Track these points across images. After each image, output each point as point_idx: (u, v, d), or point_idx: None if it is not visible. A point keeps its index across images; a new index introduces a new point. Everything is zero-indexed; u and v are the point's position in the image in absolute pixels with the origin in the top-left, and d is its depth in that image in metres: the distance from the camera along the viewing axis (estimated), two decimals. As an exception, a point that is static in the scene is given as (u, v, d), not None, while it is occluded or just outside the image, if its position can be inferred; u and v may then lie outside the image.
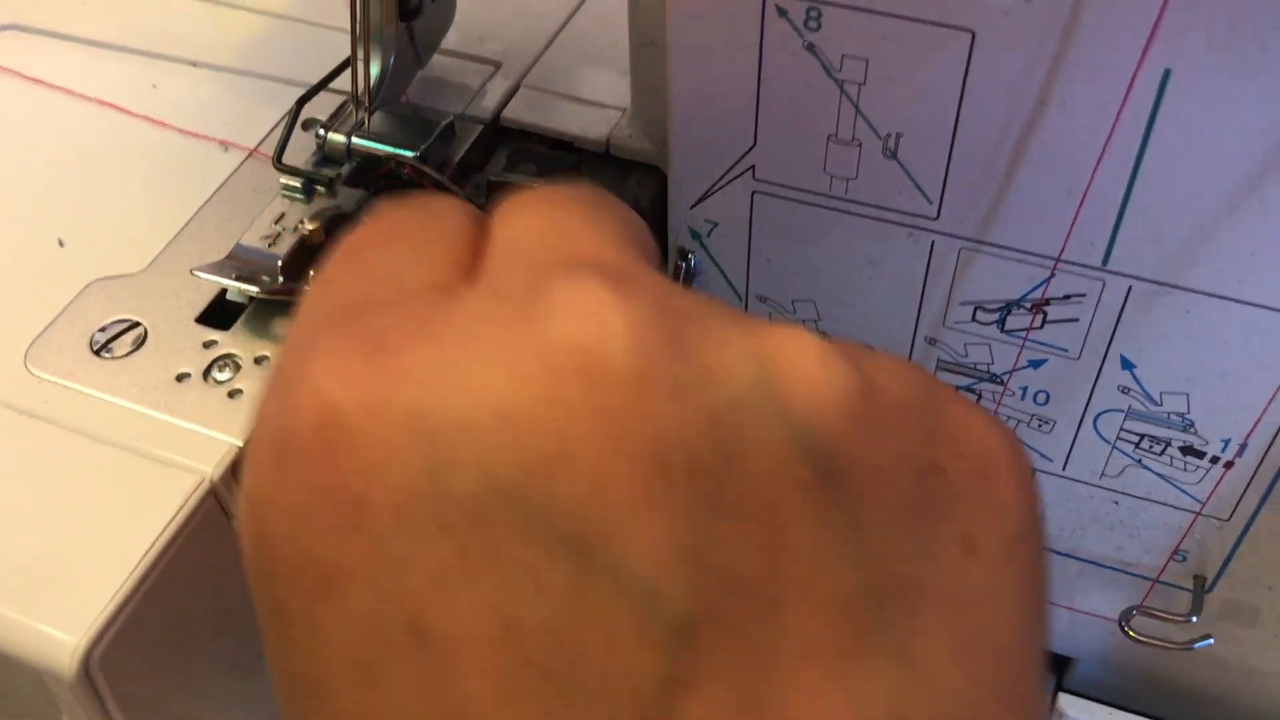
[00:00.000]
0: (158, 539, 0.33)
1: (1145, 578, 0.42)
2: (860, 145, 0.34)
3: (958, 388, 0.39)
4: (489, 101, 0.45)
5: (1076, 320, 0.36)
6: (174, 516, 0.34)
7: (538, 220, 0.21)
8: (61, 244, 0.41)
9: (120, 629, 0.32)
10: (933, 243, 0.36)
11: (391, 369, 0.17)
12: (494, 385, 0.16)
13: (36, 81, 0.47)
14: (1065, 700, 0.45)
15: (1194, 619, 0.41)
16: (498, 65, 0.47)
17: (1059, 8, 0.29)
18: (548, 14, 0.49)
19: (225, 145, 0.44)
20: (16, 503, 0.34)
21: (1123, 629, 0.42)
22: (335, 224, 0.39)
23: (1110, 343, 0.36)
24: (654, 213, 0.44)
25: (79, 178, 0.44)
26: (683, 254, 0.40)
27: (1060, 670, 0.48)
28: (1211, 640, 0.42)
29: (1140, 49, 0.29)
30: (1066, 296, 0.35)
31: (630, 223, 0.22)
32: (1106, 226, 0.33)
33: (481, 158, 0.45)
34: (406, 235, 0.22)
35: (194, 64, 0.48)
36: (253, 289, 0.37)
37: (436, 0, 0.44)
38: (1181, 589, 0.42)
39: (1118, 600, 0.43)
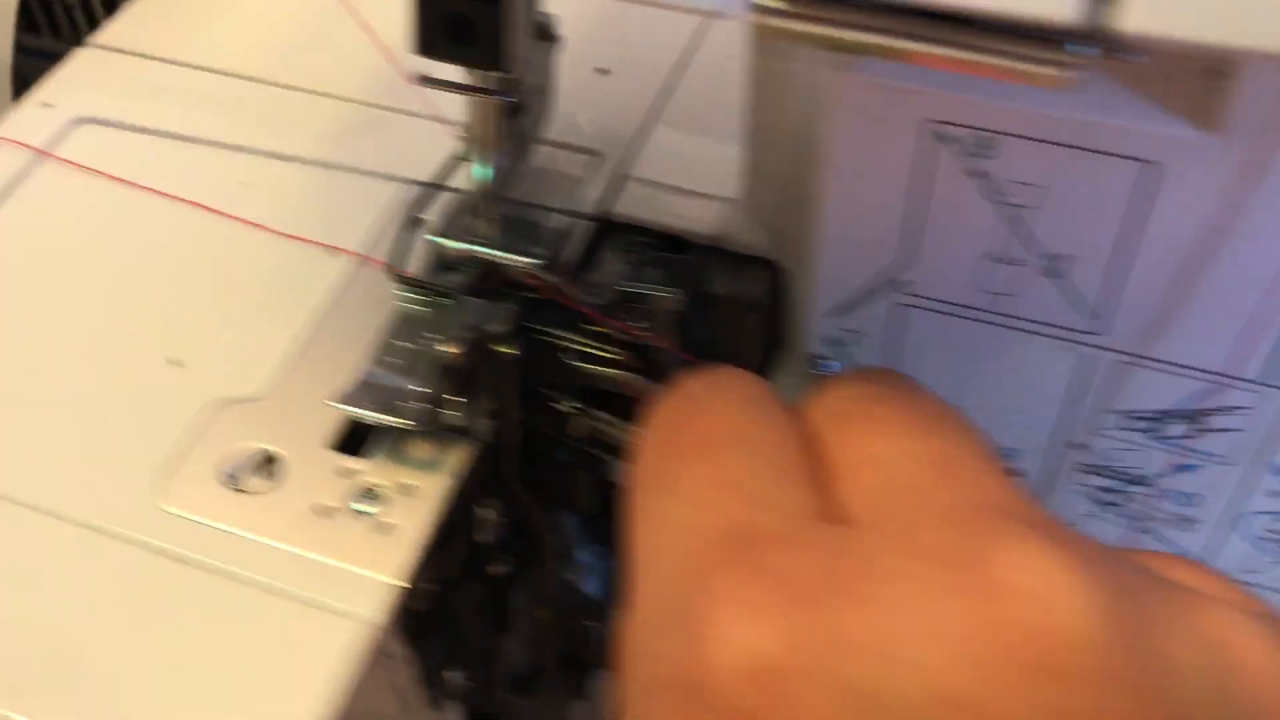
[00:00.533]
0: (335, 694, 0.32)
1: None
2: (1024, 265, 0.34)
3: (1100, 488, 0.39)
4: (593, 194, 0.45)
5: (1233, 430, 0.36)
6: (347, 669, 0.33)
7: (905, 442, 0.20)
8: (171, 363, 0.40)
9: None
10: (1089, 355, 0.36)
11: (821, 629, 0.16)
12: (941, 665, 0.16)
13: (120, 180, 0.45)
14: None
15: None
16: (595, 154, 0.46)
17: (1246, 141, 0.29)
18: (639, 95, 0.48)
19: (332, 250, 0.43)
20: (178, 657, 0.33)
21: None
22: (475, 347, 0.38)
23: (1267, 449, 0.36)
24: (773, 308, 0.43)
25: (179, 288, 0.42)
26: (812, 362, 0.39)
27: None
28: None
29: (1337, 187, 0.29)
30: (1223, 409, 0.35)
31: (969, 425, 0.22)
32: (1269, 342, 0.33)
33: (590, 254, 0.44)
34: (743, 434, 0.21)
35: (280, 157, 0.46)
36: (401, 423, 0.36)
37: (539, 98, 0.43)
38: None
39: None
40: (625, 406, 0.43)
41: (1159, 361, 0.35)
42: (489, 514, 0.40)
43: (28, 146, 0.46)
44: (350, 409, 0.37)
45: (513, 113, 0.41)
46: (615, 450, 0.44)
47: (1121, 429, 0.37)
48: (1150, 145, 0.30)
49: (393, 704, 0.36)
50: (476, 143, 0.41)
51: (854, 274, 0.36)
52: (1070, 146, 0.31)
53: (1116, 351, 0.35)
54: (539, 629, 0.47)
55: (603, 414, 0.42)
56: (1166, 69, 0.29)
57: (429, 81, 0.37)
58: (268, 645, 0.33)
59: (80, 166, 0.46)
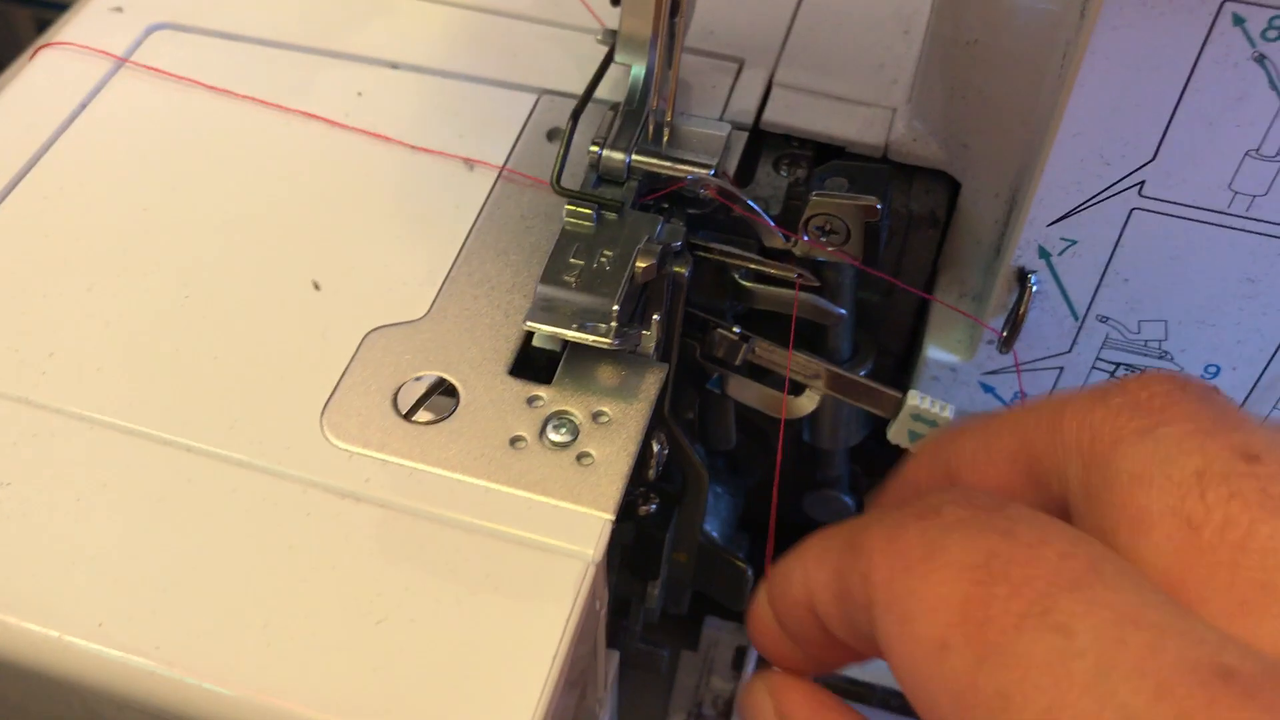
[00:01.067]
0: (562, 637, 0.29)
1: None
2: (1284, 161, 0.32)
3: (1309, 406, 0.37)
4: (747, 103, 0.41)
5: None
6: (571, 610, 0.29)
7: None
8: (317, 287, 0.36)
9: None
10: (1335, 261, 0.33)
11: None
12: None
13: (220, 90, 0.41)
14: None
15: None
16: (741, 60, 0.43)
17: None
18: (775, 5, 0.44)
19: (470, 163, 0.39)
20: (384, 607, 0.29)
21: None
22: (664, 260, 0.34)
23: None
24: (945, 224, 0.40)
25: (313, 206, 0.38)
26: (1021, 275, 0.36)
27: None
28: None
29: None
30: None
31: None
32: None
33: (749, 166, 0.41)
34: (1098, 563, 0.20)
35: (394, 66, 0.42)
36: (603, 342, 0.32)
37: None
38: None
39: None
40: (788, 330, 0.40)
41: None
42: (654, 447, 0.37)
43: (102, 52, 0.41)
44: (545, 327, 0.33)
45: (672, 11, 0.38)
46: (771, 382, 0.40)
47: (1352, 341, 0.35)
48: None
49: (597, 638, 0.32)
50: (634, 44, 0.38)
51: (1089, 176, 0.34)
52: (1377, 24, 0.28)
53: (1369, 255, 0.33)
54: (675, 572, 0.44)
55: (766, 341, 0.39)
56: None
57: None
58: (477, 588, 0.30)
59: (169, 74, 0.41)
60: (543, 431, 0.33)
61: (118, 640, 0.28)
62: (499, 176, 0.39)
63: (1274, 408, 0.38)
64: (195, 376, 0.34)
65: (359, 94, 0.41)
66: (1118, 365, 0.38)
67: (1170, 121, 0.32)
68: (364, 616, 0.29)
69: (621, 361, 0.34)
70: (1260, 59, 0.30)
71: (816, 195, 0.36)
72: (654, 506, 0.40)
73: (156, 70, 0.41)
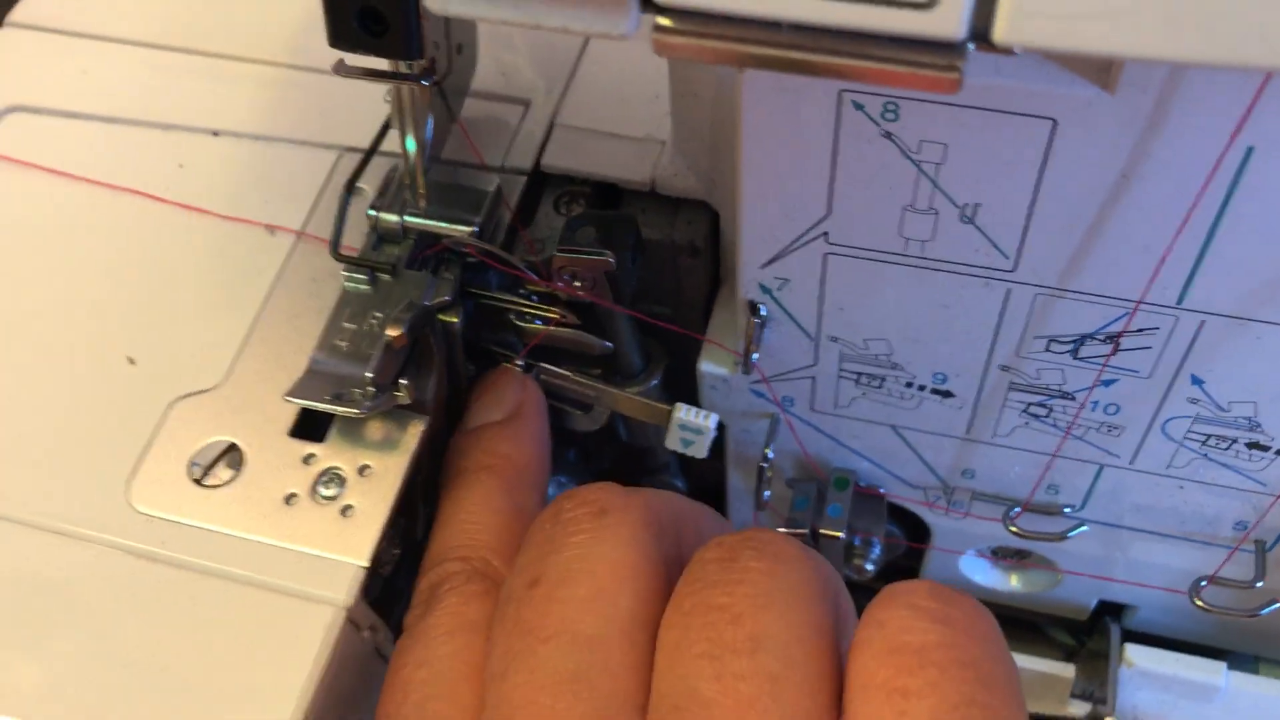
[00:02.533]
0: (310, 679, 0.34)
1: (1216, 545, 0.45)
2: (937, 213, 0.35)
3: (1029, 404, 0.41)
4: (527, 146, 0.45)
5: (1149, 348, 0.37)
6: (321, 652, 0.35)
7: None
8: (132, 362, 0.41)
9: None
10: (1008, 290, 0.37)
11: None
12: None
13: (55, 172, 0.46)
14: (1133, 650, 0.48)
15: (1260, 584, 0.44)
16: (526, 102, 0.46)
17: (1144, 101, 0.30)
18: (565, 47, 0.48)
19: (271, 229, 0.44)
20: (164, 657, 0.35)
21: (1193, 600, 0.45)
22: (416, 324, 0.39)
23: (1181, 365, 0.37)
24: (709, 249, 0.44)
25: (126, 280, 0.43)
26: (753, 308, 0.40)
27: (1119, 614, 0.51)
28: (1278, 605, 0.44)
29: (1229, 134, 0.30)
30: (1140, 330, 0.37)
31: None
32: (1182, 275, 0.34)
33: (529, 206, 0.45)
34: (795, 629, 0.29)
35: (215, 133, 0.47)
36: (350, 411, 0.37)
37: (461, 52, 0.43)
38: (1245, 551, 0.44)
39: (1185, 571, 0.46)
40: (579, 360, 0.45)
41: (1075, 293, 0.36)
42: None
43: (-41, 142, 0.47)
44: (302, 401, 0.38)
45: (435, 85, 0.42)
46: (567, 400, 0.45)
47: (1047, 351, 0.39)
48: (1047, 104, 0.31)
49: (368, 667, 0.38)
50: (402, 121, 0.42)
51: (780, 229, 0.37)
52: (971, 107, 0.31)
53: (1037, 286, 0.36)
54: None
55: (552, 368, 0.44)
56: (1057, 31, 0.30)
57: (346, 70, 0.38)
58: (244, 636, 0.35)
59: (14, 161, 0.46)
60: (314, 488, 0.38)
61: (-51, 697, 0.35)
62: (296, 241, 0.43)
63: (1004, 405, 0.41)
64: (15, 450, 0.39)
65: (180, 165, 0.46)
66: (860, 374, 0.42)
67: (832, 184, 0.35)
68: (149, 667, 0.35)
69: (387, 416, 0.39)
70: (887, 135, 0.33)
71: (557, 251, 0.40)
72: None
73: (4, 158, 0.46)
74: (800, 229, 0.37)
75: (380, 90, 0.46)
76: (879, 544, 0.50)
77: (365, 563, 0.36)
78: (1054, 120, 0.31)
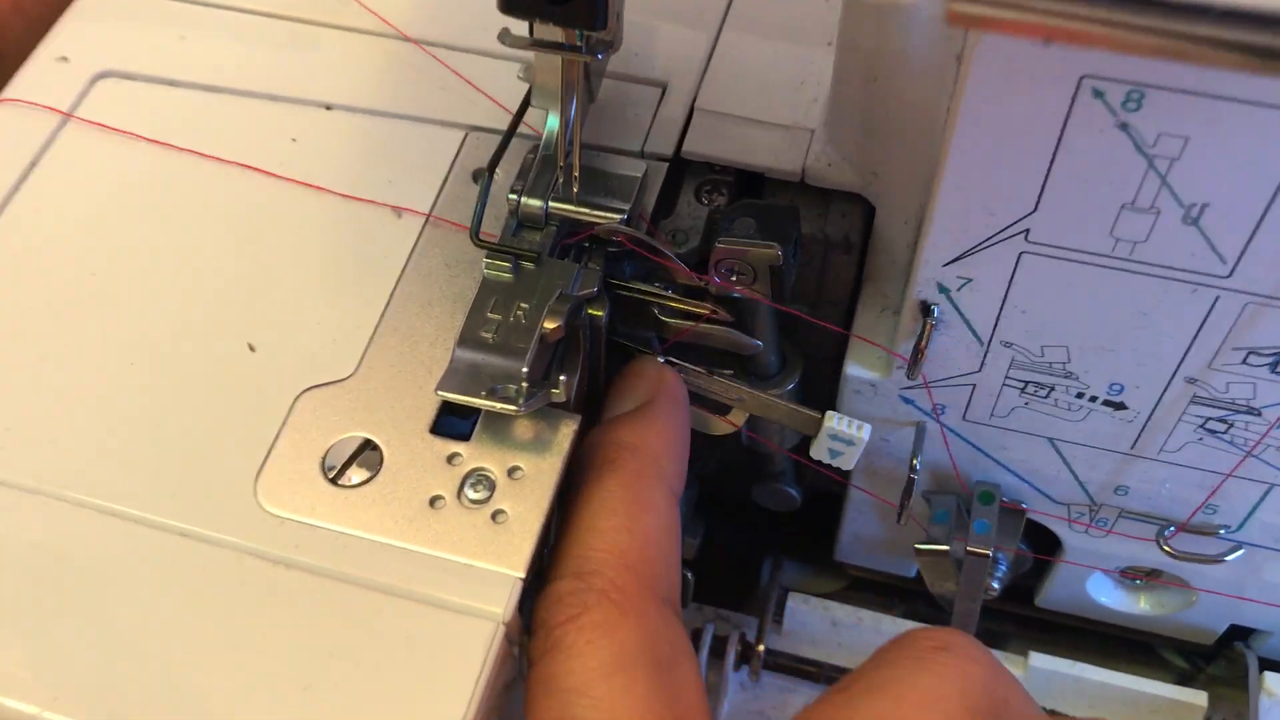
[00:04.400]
0: (474, 699, 0.31)
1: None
2: (1159, 213, 0.32)
3: (1207, 419, 0.39)
4: (667, 131, 0.42)
5: (1361, 363, 0.35)
6: (480, 671, 0.32)
7: None
8: (253, 349, 0.38)
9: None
10: (1217, 298, 0.34)
11: None
12: None
13: (155, 142, 0.42)
14: (1274, 680, 0.46)
15: None
16: (664, 85, 0.43)
17: None
18: (701, 19, 0.45)
19: (398, 211, 0.41)
20: (305, 674, 0.32)
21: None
22: (574, 316, 0.36)
23: (1393, 382, 0.35)
24: (861, 245, 0.42)
25: (250, 263, 0.40)
26: (926, 308, 0.38)
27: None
28: None
29: None
30: (1356, 343, 0.34)
31: None
32: None
33: (670, 195, 0.42)
34: None
35: (328, 107, 0.44)
36: (508, 408, 0.34)
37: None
38: None
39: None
40: (713, 358, 0.42)
41: (1294, 302, 0.34)
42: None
43: (48, 109, 0.43)
44: (454, 396, 0.35)
45: (585, 71, 0.39)
46: (701, 401, 0.42)
47: (1244, 364, 0.36)
48: (1314, 94, 0.28)
49: (515, 686, 0.35)
50: (550, 97, 0.39)
51: (975, 224, 0.35)
52: (1230, 100, 0.29)
53: (1250, 294, 0.34)
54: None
55: (692, 367, 0.41)
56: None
57: (514, 39, 0.35)
58: (394, 651, 0.32)
59: (113, 129, 0.43)
60: (460, 490, 0.35)
61: (68, 710, 0.31)
62: (425, 224, 0.40)
63: (1179, 419, 0.39)
64: (139, 447, 0.36)
65: (293, 140, 0.42)
66: (1027, 383, 0.40)
67: (1047, 178, 0.33)
68: (291, 683, 0.32)
69: (536, 415, 0.36)
70: (1123, 126, 0.30)
71: (721, 242, 0.37)
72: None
73: (100, 125, 0.43)
74: (999, 225, 0.34)
75: (508, 69, 0.43)
76: (1006, 562, 0.48)
77: (521, 574, 0.34)
78: (1314, 113, 0.29)
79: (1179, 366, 0.37)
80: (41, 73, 0.44)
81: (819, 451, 0.41)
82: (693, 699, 0.33)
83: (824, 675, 0.49)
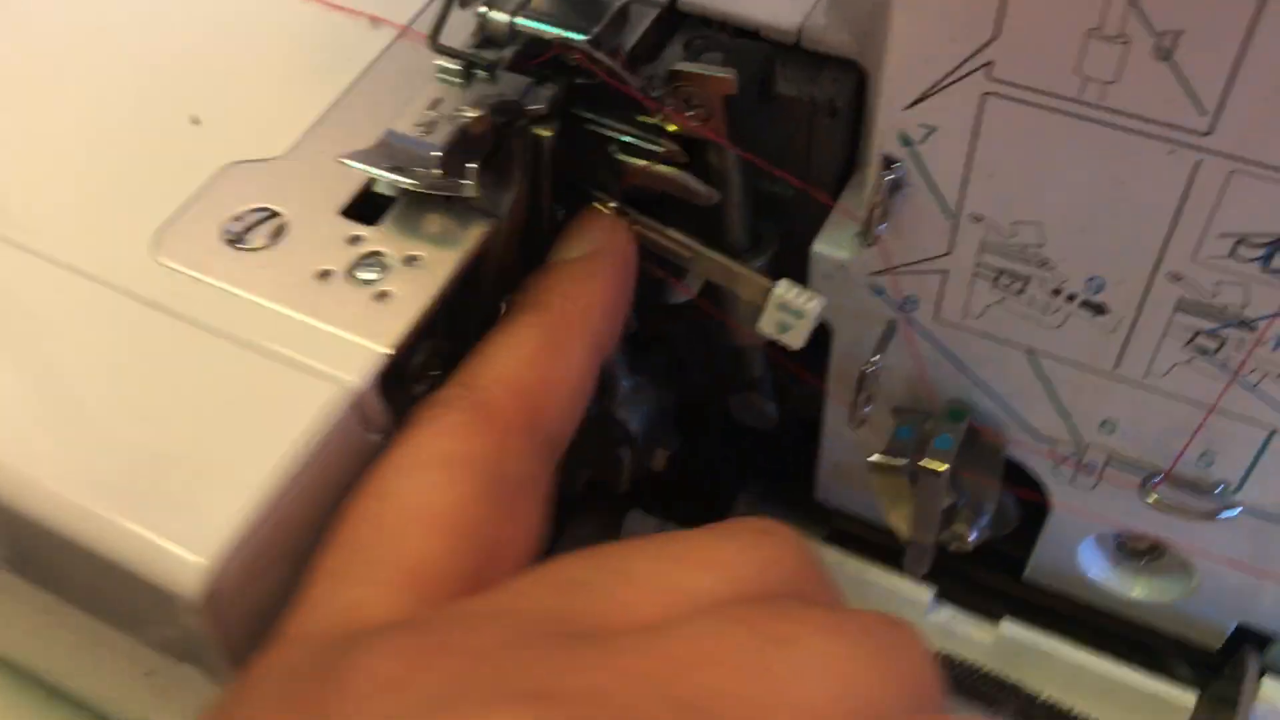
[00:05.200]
0: (294, 454, 0.29)
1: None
2: (1128, 42, 0.29)
3: (1199, 331, 0.34)
4: (661, -21, 0.40)
5: (1365, 263, 0.30)
6: (312, 430, 0.30)
7: None
8: (196, 122, 0.37)
9: (251, 548, 0.29)
10: (1199, 162, 0.30)
11: None
12: None
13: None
14: (1273, 686, 0.40)
15: None
16: (671, -63, 0.42)
17: None
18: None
19: (374, 21, 0.40)
20: (141, 404, 0.31)
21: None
22: (499, 113, 0.34)
23: (1403, 291, 0.30)
24: (849, 115, 0.39)
25: (213, 51, 0.40)
26: (888, 163, 0.35)
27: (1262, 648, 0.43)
28: None
29: None
30: (1358, 234, 0.30)
31: None
32: None
33: (655, 45, 0.40)
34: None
35: (338, -72, 0.43)
36: (406, 181, 0.33)
37: None
38: None
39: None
40: (677, 214, 0.40)
41: (1276, 169, 0.29)
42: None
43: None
44: (359, 165, 0.33)
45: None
46: (658, 261, 0.40)
47: (1231, 257, 0.32)
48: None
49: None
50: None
51: (933, 54, 0.32)
52: (1194, -121, 0.26)
53: (1233, 158, 0.30)
54: (568, 453, 0.44)
55: (645, 218, 0.39)
56: None
57: None
58: (235, 398, 0.31)
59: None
60: (353, 268, 0.33)
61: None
62: (398, 35, 0.39)
63: (1166, 332, 0.35)
64: (61, 192, 0.36)
65: (292, -51, 0.42)
66: (1000, 272, 0.36)
67: (1005, -9, 0.29)
68: (126, 409, 0.31)
69: (453, 212, 0.35)
70: (1083, -81, 0.27)
71: (676, 67, 0.35)
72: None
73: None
74: (960, 55, 0.31)
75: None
76: (989, 513, 0.43)
77: (387, 350, 0.32)
78: (1298, -95, 0.25)
79: (1161, 256, 0.33)
80: None
81: (768, 324, 0.38)
82: (519, 534, 0.30)
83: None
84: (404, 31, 0.40)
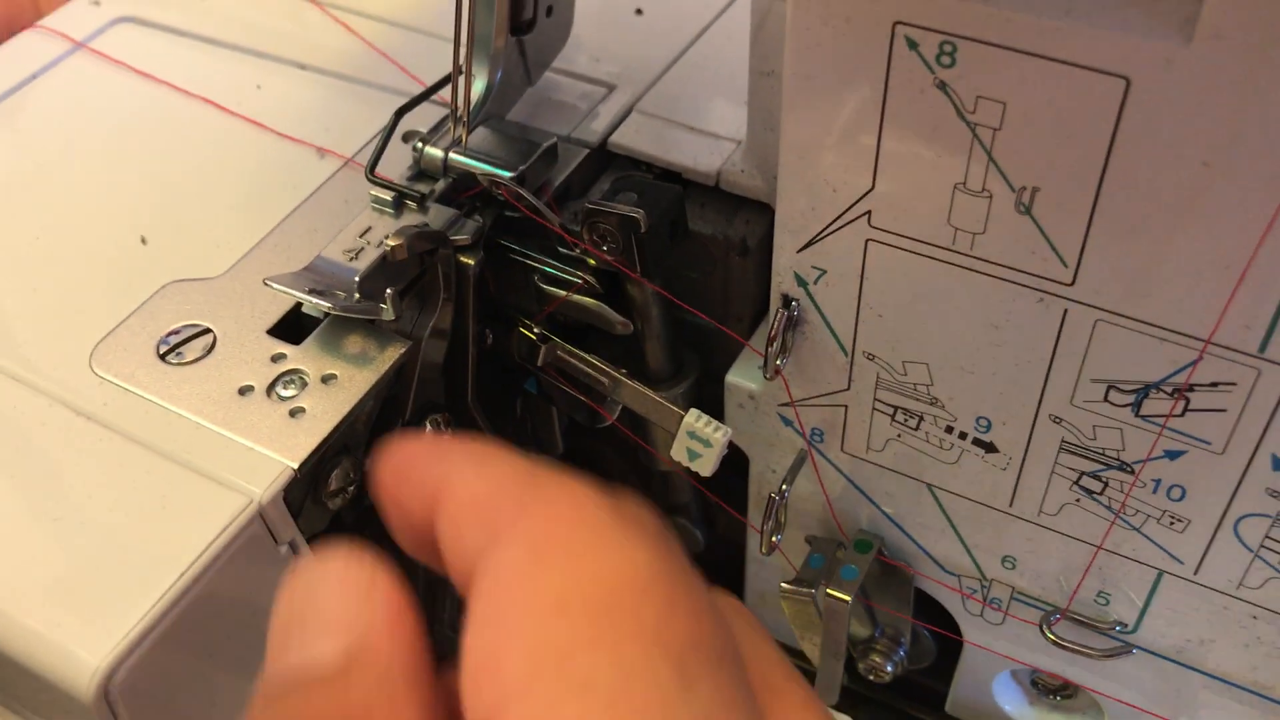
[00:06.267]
0: (195, 560, 0.31)
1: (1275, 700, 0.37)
2: (990, 197, 0.31)
3: (1083, 473, 0.35)
4: (599, 124, 0.43)
5: (1224, 410, 0.32)
6: (215, 538, 0.31)
7: None
8: (144, 241, 0.40)
9: (146, 653, 0.30)
10: (1065, 310, 0.32)
11: None
12: None
13: (143, 74, 0.46)
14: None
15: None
16: (611, 87, 0.44)
17: (1230, 59, 0.26)
18: (669, 37, 0.46)
19: (321, 152, 0.42)
20: (59, 508, 0.32)
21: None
22: (419, 241, 0.36)
23: (1262, 439, 0.32)
24: (760, 254, 0.41)
25: (170, 174, 0.42)
26: (786, 301, 0.36)
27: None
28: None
29: (1326, 109, 0.25)
30: (1214, 384, 0.31)
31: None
32: (1267, 309, 0.29)
33: (585, 183, 0.42)
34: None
35: (302, 67, 0.46)
36: (323, 304, 0.35)
37: (551, 16, 0.42)
38: (1322, 721, 0.37)
39: (1247, 726, 0.38)
40: (602, 341, 0.41)
41: (1140, 322, 0.31)
42: (436, 425, 0.39)
43: (65, 37, 0.47)
44: (282, 288, 0.36)
45: (518, 28, 0.40)
46: (583, 386, 0.42)
47: (1105, 401, 0.33)
48: (1121, 57, 0.27)
49: (270, 593, 0.34)
50: (469, 51, 0.40)
51: (819, 203, 0.34)
52: (1034, 55, 0.28)
53: (1097, 308, 0.31)
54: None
55: (566, 344, 0.40)
56: (1137, -37, 0.26)
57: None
58: (147, 505, 0.32)
59: (106, 58, 0.46)
60: (273, 385, 0.35)
61: None
62: (342, 165, 0.42)
63: (1053, 471, 0.36)
64: (12, 301, 0.38)
65: (258, 86, 0.45)
66: (896, 409, 0.37)
67: (879, 149, 0.32)
68: (43, 512, 0.32)
69: (373, 334, 0.37)
70: (941, 85, 0.29)
71: (590, 202, 0.37)
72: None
73: (102, 55, 0.47)
74: (843, 204, 0.33)
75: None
76: (905, 645, 0.44)
77: (294, 464, 0.33)
78: (1127, 80, 0.27)
79: (1041, 399, 0.34)
80: (76, 10, 0.49)
81: (678, 452, 0.39)
82: None
83: None
84: (347, 162, 0.42)
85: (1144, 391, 0.32)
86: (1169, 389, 0.32)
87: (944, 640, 0.44)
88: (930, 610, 0.43)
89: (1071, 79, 0.28)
